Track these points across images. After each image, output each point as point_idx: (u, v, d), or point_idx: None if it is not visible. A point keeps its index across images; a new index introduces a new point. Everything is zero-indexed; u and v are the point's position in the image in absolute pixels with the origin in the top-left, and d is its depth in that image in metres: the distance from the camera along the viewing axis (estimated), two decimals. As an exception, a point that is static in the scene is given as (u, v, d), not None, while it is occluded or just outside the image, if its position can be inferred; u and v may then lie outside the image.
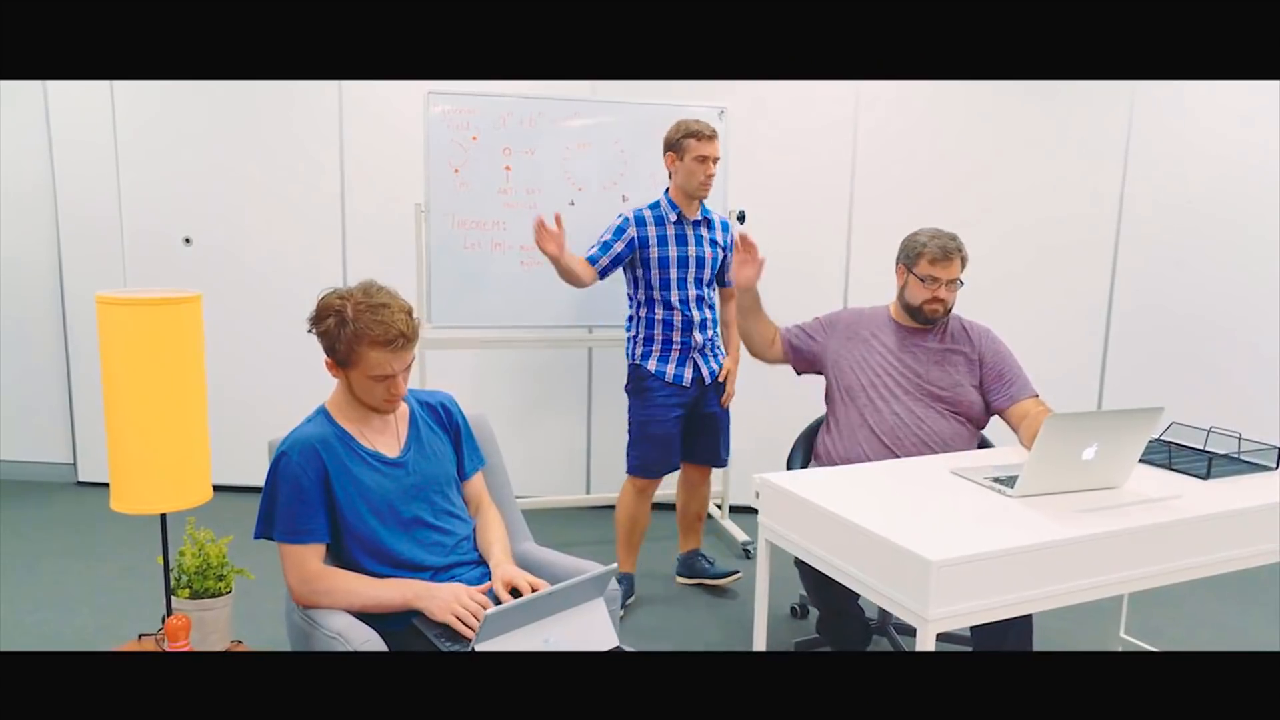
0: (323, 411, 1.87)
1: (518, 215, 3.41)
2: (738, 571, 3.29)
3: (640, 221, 2.97)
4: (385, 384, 1.79)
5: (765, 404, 3.90)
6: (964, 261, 2.45)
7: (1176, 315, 3.90)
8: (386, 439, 1.88)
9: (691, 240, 2.99)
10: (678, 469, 3.16)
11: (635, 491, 3.11)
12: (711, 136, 2.90)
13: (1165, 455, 2.28)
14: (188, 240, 4.01)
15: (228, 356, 4.06)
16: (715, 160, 2.92)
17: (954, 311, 2.54)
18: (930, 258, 2.43)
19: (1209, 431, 2.38)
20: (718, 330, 3.16)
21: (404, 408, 1.95)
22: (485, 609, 1.67)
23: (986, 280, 3.94)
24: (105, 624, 2.84)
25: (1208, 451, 2.33)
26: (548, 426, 4.09)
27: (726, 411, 3.18)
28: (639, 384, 3.06)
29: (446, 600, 1.69)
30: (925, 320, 2.49)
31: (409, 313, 1.81)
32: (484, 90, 3.40)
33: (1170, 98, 3.80)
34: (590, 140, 3.45)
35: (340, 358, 1.77)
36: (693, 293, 3.01)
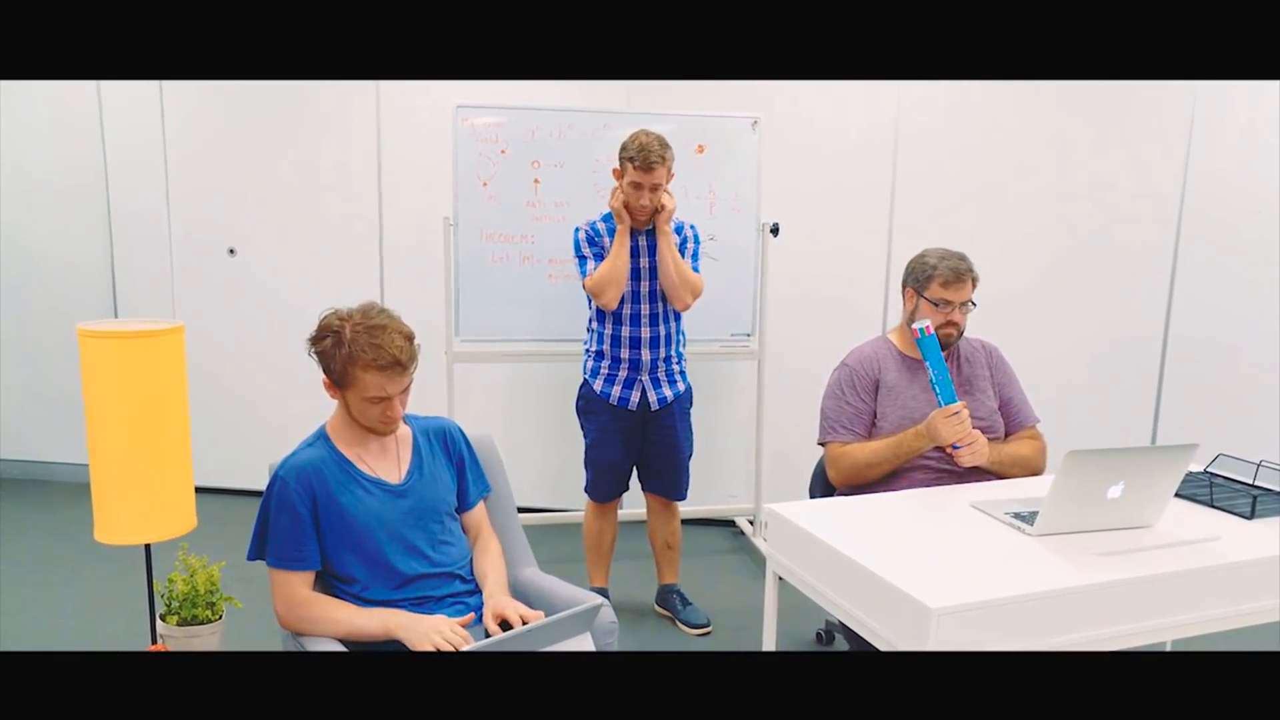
0: (322, 434, 1.87)
1: (546, 229, 3.39)
2: (707, 627, 3.02)
3: (598, 232, 2.86)
4: (381, 406, 1.78)
5: (794, 426, 3.80)
6: (974, 282, 2.36)
7: (1239, 334, 3.69)
8: (386, 464, 1.87)
9: (644, 251, 2.84)
10: (626, 490, 3.04)
11: (592, 511, 3.05)
12: (648, 166, 2.66)
13: (1207, 491, 2.14)
14: (232, 251, 4.09)
15: (267, 368, 4.12)
16: (654, 188, 2.70)
17: None
18: (942, 280, 2.33)
19: (1259, 465, 2.23)
20: (675, 352, 2.95)
21: (406, 434, 1.94)
22: (467, 642, 1.65)
23: (1032, 290, 3.79)
24: (122, 633, 2.90)
25: (1255, 487, 2.18)
26: (577, 440, 4.06)
27: (683, 441, 2.97)
28: (585, 404, 2.98)
29: (426, 632, 1.66)
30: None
31: (409, 338, 1.80)
32: (513, 104, 3.39)
33: (1237, 100, 3.59)
34: (620, 152, 3.41)
35: (336, 378, 1.77)
36: (645, 309, 2.86)
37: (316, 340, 1.79)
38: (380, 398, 1.76)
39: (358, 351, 1.73)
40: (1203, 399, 3.75)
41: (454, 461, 1.99)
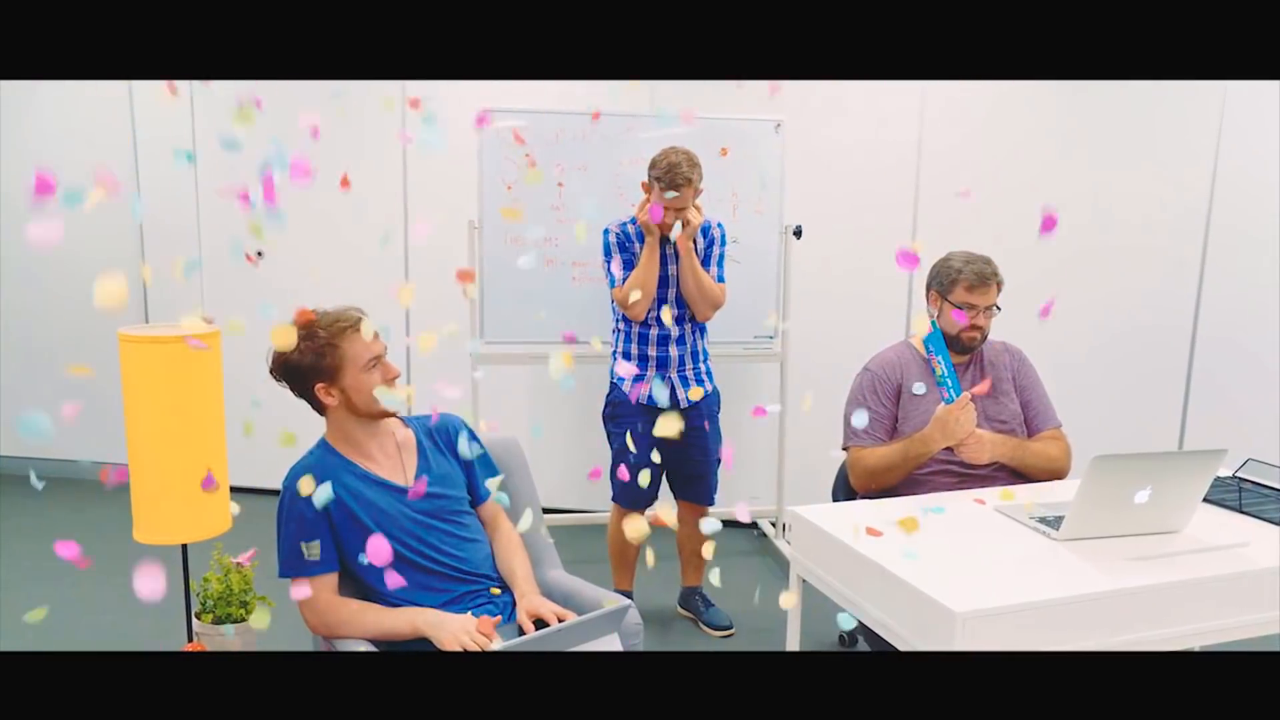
0: (323, 443, 1.88)
1: (570, 231, 3.41)
2: (730, 629, 3.05)
3: (628, 236, 2.88)
4: (380, 369, 1.80)
5: (817, 428, 3.80)
6: (999, 286, 2.35)
7: (1268, 339, 3.65)
8: (393, 470, 1.87)
9: (672, 258, 2.85)
10: (656, 499, 3.02)
11: (619, 518, 3.04)
12: (674, 188, 2.69)
13: (1236, 496, 2.12)
14: (260, 253, 4.15)
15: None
16: (679, 209, 2.72)
17: None
18: (967, 284, 2.33)
19: (1288, 470, 2.21)
20: (701, 349, 2.99)
21: (409, 438, 1.94)
22: (495, 642, 1.67)
23: (1059, 293, 3.76)
24: (158, 631, 2.95)
25: (1285, 492, 2.16)
26: (602, 441, 4.08)
27: (712, 445, 2.98)
28: (614, 410, 2.98)
29: (455, 631, 1.68)
30: (962, 349, 2.39)
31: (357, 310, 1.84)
32: (537, 107, 3.42)
33: (1267, 103, 3.55)
34: (644, 155, 3.41)
35: (326, 369, 1.78)
36: (671, 311, 2.88)
37: (288, 353, 1.77)
38: (375, 358, 1.80)
39: (333, 332, 1.77)
40: (1232, 403, 3.71)
41: (459, 456, 1.98)
